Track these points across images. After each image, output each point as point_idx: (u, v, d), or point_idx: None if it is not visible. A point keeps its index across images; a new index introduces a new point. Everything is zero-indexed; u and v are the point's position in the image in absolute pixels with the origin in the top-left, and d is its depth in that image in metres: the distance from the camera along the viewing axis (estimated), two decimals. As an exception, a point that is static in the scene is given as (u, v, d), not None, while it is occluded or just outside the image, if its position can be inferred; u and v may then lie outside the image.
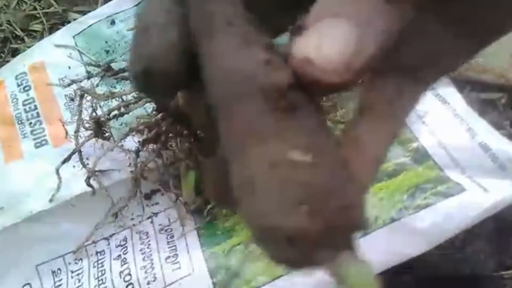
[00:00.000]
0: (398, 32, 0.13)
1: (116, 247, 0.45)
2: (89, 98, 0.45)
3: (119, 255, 0.45)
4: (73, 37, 0.57)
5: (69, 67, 0.54)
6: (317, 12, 0.13)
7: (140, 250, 0.45)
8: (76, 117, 0.46)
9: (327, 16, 0.12)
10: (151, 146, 0.44)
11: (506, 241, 0.46)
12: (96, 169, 0.45)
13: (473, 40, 0.15)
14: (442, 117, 0.48)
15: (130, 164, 0.46)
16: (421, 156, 0.46)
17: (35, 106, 0.53)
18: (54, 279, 0.45)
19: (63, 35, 0.57)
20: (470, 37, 0.15)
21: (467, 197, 0.42)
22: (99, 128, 0.44)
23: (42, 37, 0.63)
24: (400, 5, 0.13)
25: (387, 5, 0.12)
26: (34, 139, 0.50)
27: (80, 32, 0.57)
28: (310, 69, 0.12)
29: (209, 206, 0.43)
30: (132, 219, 0.46)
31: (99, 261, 0.45)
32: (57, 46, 0.56)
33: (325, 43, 0.12)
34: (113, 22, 0.56)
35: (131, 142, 0.45)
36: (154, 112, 0.45)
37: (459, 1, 0.14)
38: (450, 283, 0.45)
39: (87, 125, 0.45)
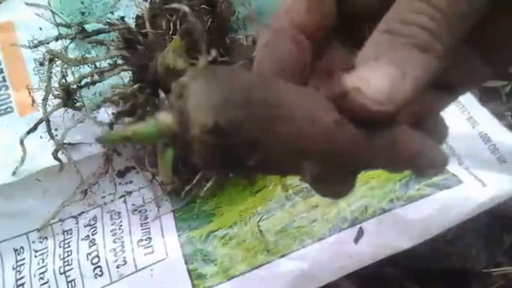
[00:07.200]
0: (439, 70, 0.16)
1: (85, 226, 0.43)
2: (59, 63, 0.41)
3: (88, 236, 0.42)
4: (47, -5, 0.52)
5: (41, 29, 0.49)
6: (362, 56, 0.16)
7: (111, 231, 0.42)
8: (45, 84, 0.42)
9: (370, 59, 0.16)
10: (126, 119, 0.41)
11: (499, 236, 0.44)
12: (65, 141, 0.42)
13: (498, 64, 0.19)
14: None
15: (102, 137, 0.42)
16: (417, 144, 0.43)
17: (1, 69, 0.48)
18: (16, 258, 0.42)
19: (35, -8, 0.52)
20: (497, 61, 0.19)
21: (463, 190, 0.39)
22: (69, 96, 0.40)
23: (13, -6, 0.57)
24: (434, 54, 0.15)
25: (422, 54, 0.15)
26: (-2, 106, 0.46)
27: (55, -10, 0.52)
28: (361, 98, 0.15)
29: (187, 187, 0.40)
30: (103, 197, 0.44)
31: (66, 241, 0.42)
32: (28, 4, 0.51)
33: (372, 78, 0.15)
34: (91, -19, 0.51)
35: (105, 114, 0.42)
36: (131, 82, 0.41)
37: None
38: (439, 277, 0.43)
39: (56, 93, 0.41)
